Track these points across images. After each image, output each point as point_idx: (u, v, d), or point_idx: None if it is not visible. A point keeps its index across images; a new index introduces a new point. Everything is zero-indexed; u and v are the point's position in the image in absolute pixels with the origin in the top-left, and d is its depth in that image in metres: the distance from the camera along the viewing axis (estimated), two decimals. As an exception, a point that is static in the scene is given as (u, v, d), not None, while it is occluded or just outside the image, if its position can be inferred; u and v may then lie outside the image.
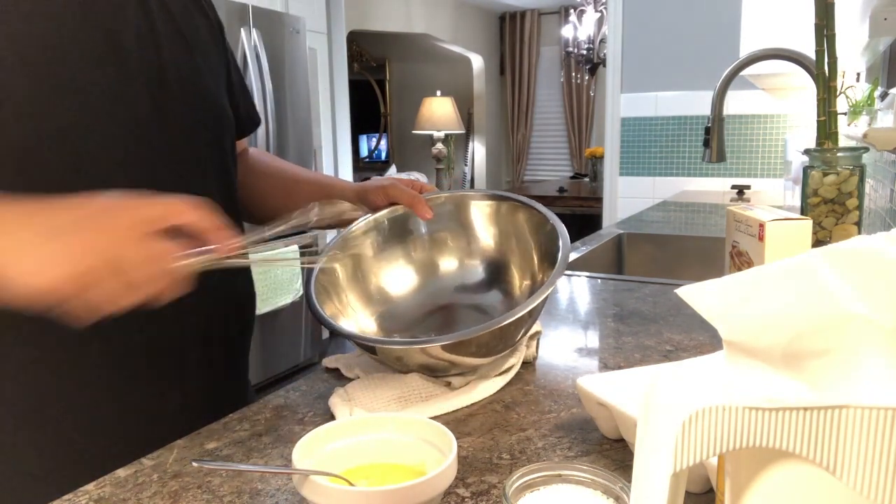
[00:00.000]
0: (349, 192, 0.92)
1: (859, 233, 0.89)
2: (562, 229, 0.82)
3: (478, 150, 7.08)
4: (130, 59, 0.71)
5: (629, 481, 0.38)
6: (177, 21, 0.79)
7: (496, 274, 0.91)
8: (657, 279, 1.32)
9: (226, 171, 0.83)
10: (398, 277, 0.91)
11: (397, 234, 0.92)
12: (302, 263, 0.80)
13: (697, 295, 0.31)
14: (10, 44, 0.61)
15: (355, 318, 0.85)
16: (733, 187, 2.79)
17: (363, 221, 0.90)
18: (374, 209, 0.91)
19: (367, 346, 0.73)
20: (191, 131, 0.76)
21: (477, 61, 6.89)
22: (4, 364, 0.69)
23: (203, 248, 0.57)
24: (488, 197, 0.92)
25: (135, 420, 0.72)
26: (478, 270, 0.93)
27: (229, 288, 0.82)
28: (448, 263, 0.93)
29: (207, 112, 0.80)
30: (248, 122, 0.93)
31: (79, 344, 0.69)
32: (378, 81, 7.21)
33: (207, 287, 0.67)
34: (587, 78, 6.64)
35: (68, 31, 0.66)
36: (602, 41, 4.68)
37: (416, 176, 5.94)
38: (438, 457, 0.53)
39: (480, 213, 0.93)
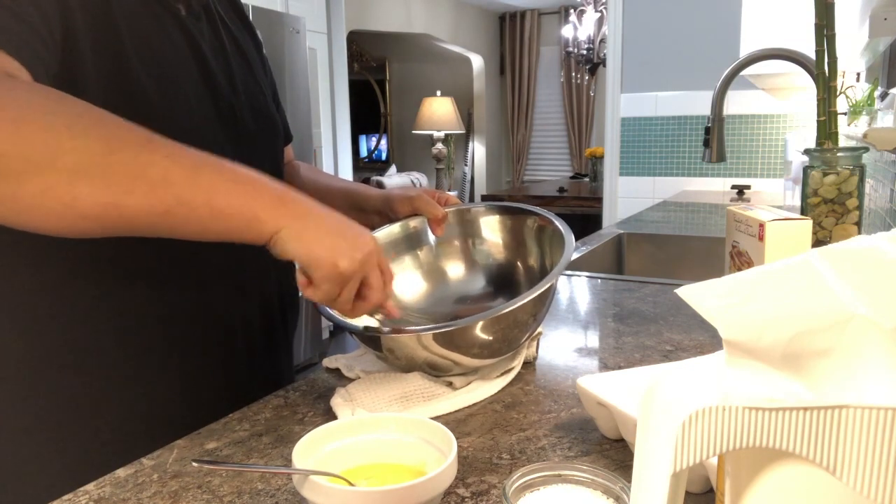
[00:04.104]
0: (376, 199, 0.95)
1: (859, 233, 0.89)
2: (567, 232, 0.83)
3: (478, 150, 7.08)
4: (213, 77, 0.78)
5: (629, 481, 0.38)
6: (236, 39, 0.86)
7: (504, 282, 0.92)
8: (657, 279, 1.32)
9: (278, 178, 0.89)
10: (406, 284, 0.92)
11: (408, 243, 0.94)
12: None
13: (697, 295, 0.31)
14: (145, 67, 0.69)
15: (361, 320, 0.85)
16: (733, 187, 2.79)
17: (383, 230, 0.92)
18: (397, 218, 0.93)
19: (371, 339, 0.74)
20: (253, 141, 0.83)
21: (477, 61, 6.89)
22: (11, 363, 0.69)
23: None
24: (496, 210, 0.94)
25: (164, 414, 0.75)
26: (485, 279, 0.93)
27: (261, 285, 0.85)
28: (456, 271, 0.94)
29: (265, 125, 0.87)
30: (285, 134, 0.99)
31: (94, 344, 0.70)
32: (378, 81, 7.21)
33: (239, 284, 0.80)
34: (587, 78, 6.64)
35: (175, 52, 0.74)
36: (602, 41, 4.68)
37: (416, 176, 5.94)
38: (438, 457, 0.53)
39: (488, 223, 0.94)
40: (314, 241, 0.61)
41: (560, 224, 0.86)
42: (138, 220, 0.56)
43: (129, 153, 0.55)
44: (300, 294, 0.98)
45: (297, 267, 0.64)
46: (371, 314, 0.82)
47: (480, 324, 0.70)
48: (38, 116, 0.53)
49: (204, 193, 0.58)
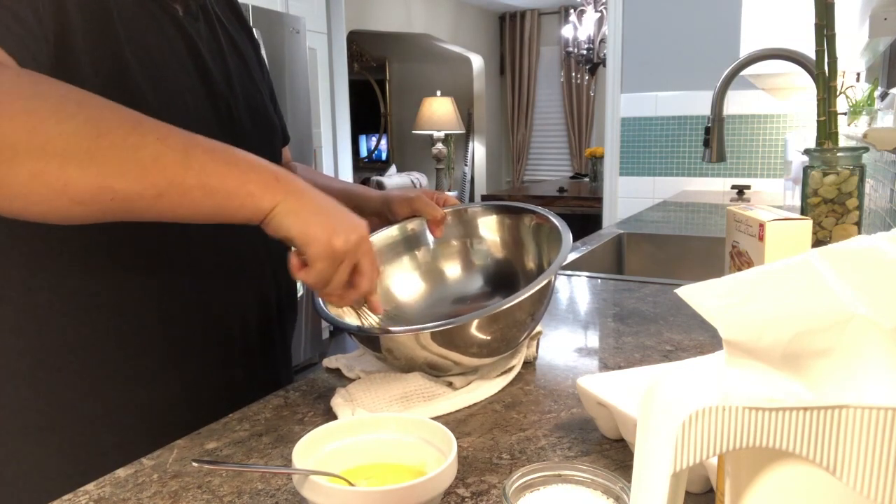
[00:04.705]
0: (375, 201, 0.95)
1: (859, 233, 0.89)
2: (564, 229, 0.83)
3: (478, 150, 7.08)
4: (210, 77, 0.77)
5: (629, 481, 0.38)
6: (233, 39, 0.86)
7: (503, 281, 0.92)
8: (657, 279, 1.32)
9: None
10: (405, 285, 0.92)
11: (407, 244, 0.94)
12: None
13: (697, 295, 0.31)
14: (142, 68, 0.69)
15: (360, 321, 0.85)
16: (733, 187, 2.79)
17: (381, 232, 0.92)
18: (396, 220, 0.93)
19: (370, 339, 0.74)
20: (250, 142, 0.82)
21: (477, 61, 6.89)
22: (11, 364, 0.69)
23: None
24: (493, 209, 0.94)
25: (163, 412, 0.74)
26: (484, 278, 0.93)
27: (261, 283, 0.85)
28: (454, 271, 0.94)
29: (263, 126, 0.86)
30: (283, 135, 0.99)
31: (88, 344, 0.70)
32: (378, 81, 7.21)
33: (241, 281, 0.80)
34: (587, 78, 6.63)
35: (172, 53, 0.74)
36: (602, 41, 4.68)
37: (416, 176, 5.94)
38: (438, 457, 0.53)
39: (485, 223, 0.94)
40: (310, 217, 0.61)
41: (557, 221, 0.85)
42: (131, 204, 0.55)
43: (118, 136, 0.54)
44: (298, 295, 0.98)
45: (290, 251, 0.64)
46: (356, 308, 0.82)
47: (477, 322, 0.70)
48: (20, 100, 0.52)
49: (197, 174, 0.57)
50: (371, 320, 0.78)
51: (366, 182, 5.40)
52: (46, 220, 0.56)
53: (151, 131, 0.56)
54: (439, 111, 6.29)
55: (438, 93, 6.50)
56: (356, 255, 0.64)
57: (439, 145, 6.38)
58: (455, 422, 0.69)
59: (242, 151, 0.61)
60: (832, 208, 0.89)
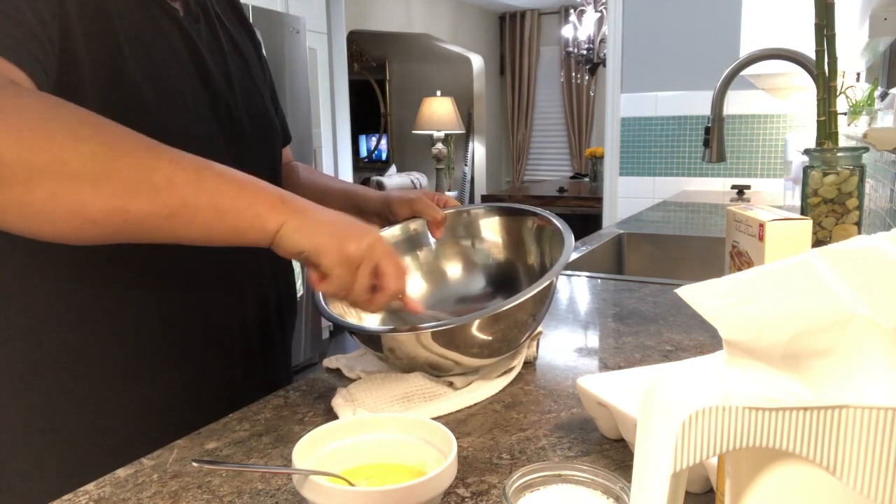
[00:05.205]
0: (376, 201, 0.95)
1: (859, 233, 0.89)
2: (566, 231, 0.83)
3: (478, 150, 7.08)
4: (211, 78, 0.78)
5: (629, 481, 0.38)
6: (234, 40, 0.86)
7: (504, 282, 0.92)
8: (657, 279, 1.32)
9: (276, 180, 0.89)
10: (407, 285, 0.92)
11: (409, 244, 0.94)
12: None
13: (697, 295, 0.31)
14: (142, 68, 0.70)
15: (361, 321, 0.85)
16: (733, 187, 2.79)
17: (384, 232, 0.92)
18: (396, 220, 0.93)
19: (371, 339, 0.74)
20: (251, 142, 0.83)
21: (477, 61, 6.89)
22: (11, 365, 0.69)
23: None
24: (495, 210, 0.94)
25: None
26: (486, 280, 0.93)
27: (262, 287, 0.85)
28: (456, 272, 0.94)
29: (262, 126, 0.87)
30: (284, 135, 0.99)
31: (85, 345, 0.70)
32: (378, 81, 7.21)
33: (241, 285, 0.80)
34: (587, 78, 6.63)
35: (172, 53, 0.74)
36: (602, 41, 4.68)
37: (416, 176, 5.94)
38: (438, 457, 0.53)
39: (487, 224, 0.94)
40: (318, 229, 0.62)
41: (559, 223, 0.86)
42: (144, 224, 0.57)
43: (133, 158, 0.56)
44: (298, 295, 0.98)
45: (304, 271, 0.64)
46: (392, 311, 0.81)
47: (478, 322, 0.70)
48: (40, 123, 0.53)
49: (208, 195, 0.58)
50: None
51: (366, 182, 5.40)
52: (59, 239, 0.57)
53: (165, 154, 0.58)
54: (439, 111, 6.29)
55: (438, 93, 6.50)
56: (373, 257, 0.64)
57: (439, 145, 6.38)
58: (455, 422, 0.69)
59: (250, 176, 0.63)
60: (832, 208, 0.89)
